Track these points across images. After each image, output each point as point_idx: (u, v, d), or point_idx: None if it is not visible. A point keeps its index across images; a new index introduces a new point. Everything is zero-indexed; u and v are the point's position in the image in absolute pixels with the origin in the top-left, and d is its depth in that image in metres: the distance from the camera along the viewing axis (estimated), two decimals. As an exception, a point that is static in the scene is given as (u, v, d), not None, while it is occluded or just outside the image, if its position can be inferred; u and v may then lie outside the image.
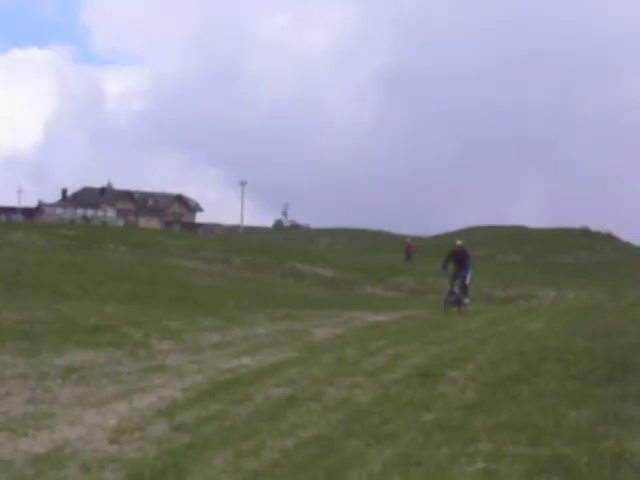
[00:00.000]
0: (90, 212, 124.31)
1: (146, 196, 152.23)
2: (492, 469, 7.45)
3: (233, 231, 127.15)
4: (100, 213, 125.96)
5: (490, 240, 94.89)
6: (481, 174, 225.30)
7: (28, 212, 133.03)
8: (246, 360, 15.48)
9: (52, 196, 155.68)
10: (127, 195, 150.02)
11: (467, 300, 27.34)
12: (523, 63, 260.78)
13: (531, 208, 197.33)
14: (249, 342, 18.49)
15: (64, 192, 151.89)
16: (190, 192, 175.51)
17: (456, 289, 26.90)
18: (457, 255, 27.33)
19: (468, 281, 27.13)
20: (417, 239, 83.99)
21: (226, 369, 14.40)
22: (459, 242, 28.41)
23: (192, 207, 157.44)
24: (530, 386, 11.09)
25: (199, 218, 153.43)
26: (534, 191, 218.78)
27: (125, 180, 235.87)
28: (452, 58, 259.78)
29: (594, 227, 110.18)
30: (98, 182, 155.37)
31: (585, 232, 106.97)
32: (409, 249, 65.52)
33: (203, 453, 8.52)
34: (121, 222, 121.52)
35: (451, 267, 27.27)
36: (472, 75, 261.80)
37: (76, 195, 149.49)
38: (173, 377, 13.55)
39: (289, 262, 57.48)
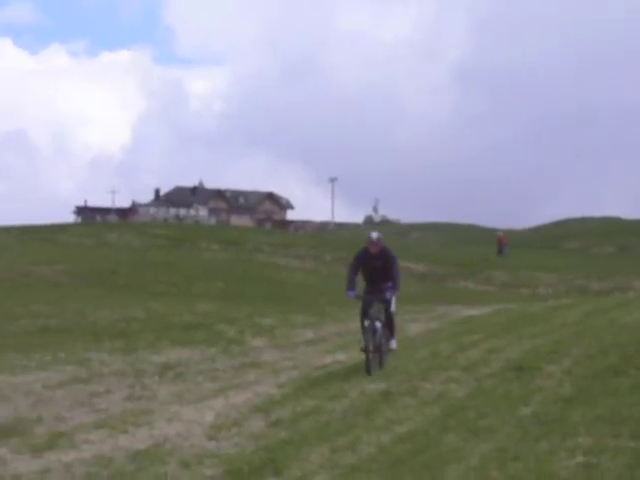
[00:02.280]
0: (183, 211, 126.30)
1: (237, 194, 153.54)
2: (592, 463, 7.34)
3: (324, 228, 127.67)
4: (192, 212, 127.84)
5: (584, 232, 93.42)
6: (574, 165, 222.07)
7: (122, 212, 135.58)
8: (340, 356, 15.52)
9: (144, 196, 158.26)
10: (218, 194, 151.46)
11: (394, 343, 14.73)
12: (608, 54, 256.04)
13: (625, 199, 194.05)
14: (342, 338, 18.52)
15: (157, 192, 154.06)
16: (280, 190, 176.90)
17: (378, 324, 13.89)
18: (372, 259, 14.29)
19: (394, 307, 14.46)
20: (509, 232, 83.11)
21: (320, 365, 14.45)
22: (374, 235, 14.39)
23: (283, 205, 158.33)
24: (629, 379, 10.91)
25: (290, 215, 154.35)
26: (628, 182, 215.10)
27: (214, 179, 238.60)
28: (538, 52, 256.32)
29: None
30: (187, 181, 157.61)
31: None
32: (501, 242, 64.89)
33: (300, 449, 8.55)
34: (213, 221, 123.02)
35: (362, 282, 14.58)
36: (561, 66, 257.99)
37: (168, 195, 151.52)
38: (268, 373, 13.64)
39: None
